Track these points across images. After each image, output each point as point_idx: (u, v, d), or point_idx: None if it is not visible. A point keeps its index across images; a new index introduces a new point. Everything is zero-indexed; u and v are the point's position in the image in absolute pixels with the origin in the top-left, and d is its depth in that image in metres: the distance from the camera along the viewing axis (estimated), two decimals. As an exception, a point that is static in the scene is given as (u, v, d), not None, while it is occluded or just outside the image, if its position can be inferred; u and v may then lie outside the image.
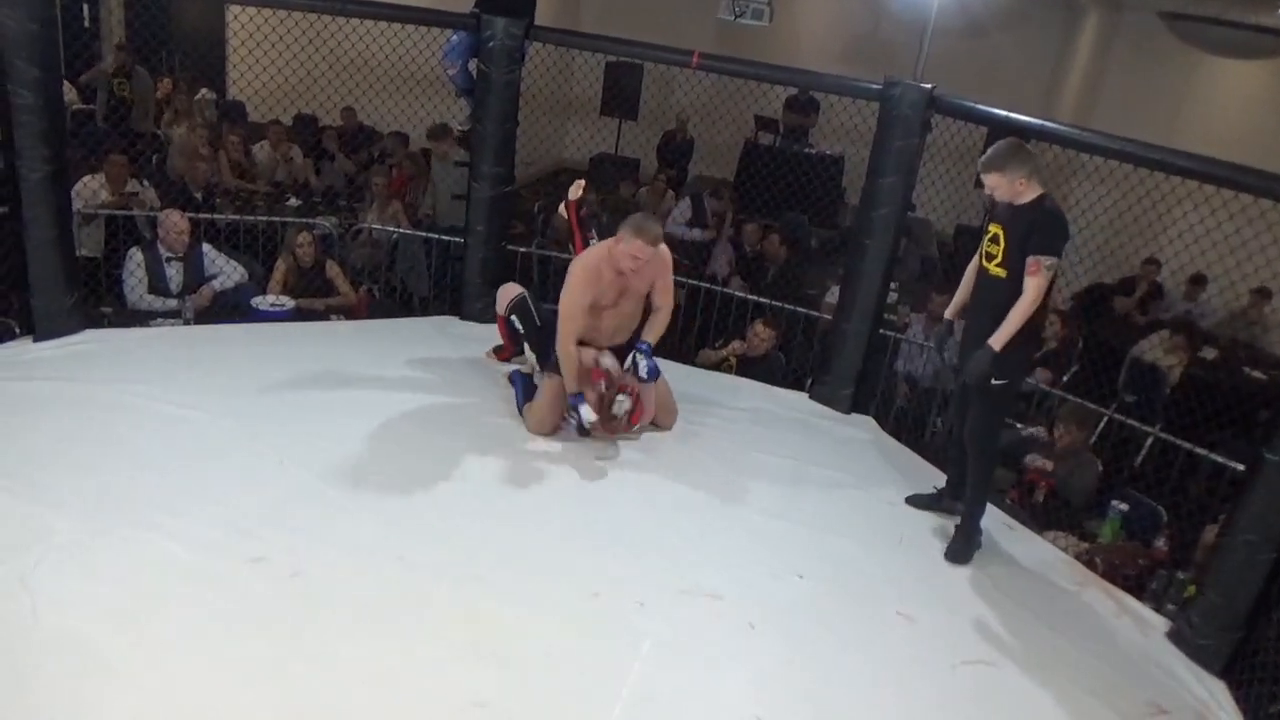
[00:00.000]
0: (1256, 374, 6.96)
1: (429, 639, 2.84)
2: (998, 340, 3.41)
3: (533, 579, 3.18)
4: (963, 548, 3.74)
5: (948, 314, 3.87)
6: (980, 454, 3.69)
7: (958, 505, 3.87)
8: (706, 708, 2.76)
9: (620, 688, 2.75)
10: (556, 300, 4.07)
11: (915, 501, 4.06)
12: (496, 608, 3.01)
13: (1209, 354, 7.07)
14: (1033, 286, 3.35)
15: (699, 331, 5.90)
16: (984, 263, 3.55)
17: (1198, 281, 7.97)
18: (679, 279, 6.20)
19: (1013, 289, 3.40)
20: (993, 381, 3.50)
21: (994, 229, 3.50)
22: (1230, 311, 7.86)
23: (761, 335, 5.31)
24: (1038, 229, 3.35)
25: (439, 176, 6.82)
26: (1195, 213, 3.71)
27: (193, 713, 2.47)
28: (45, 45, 3.98)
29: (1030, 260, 3.35)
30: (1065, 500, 4.49)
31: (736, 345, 5.36)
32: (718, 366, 5.32)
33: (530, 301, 4.51)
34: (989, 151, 3.43)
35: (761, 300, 5.56)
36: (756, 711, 2.76)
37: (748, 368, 5.30)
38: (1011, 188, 3.39)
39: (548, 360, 4.14)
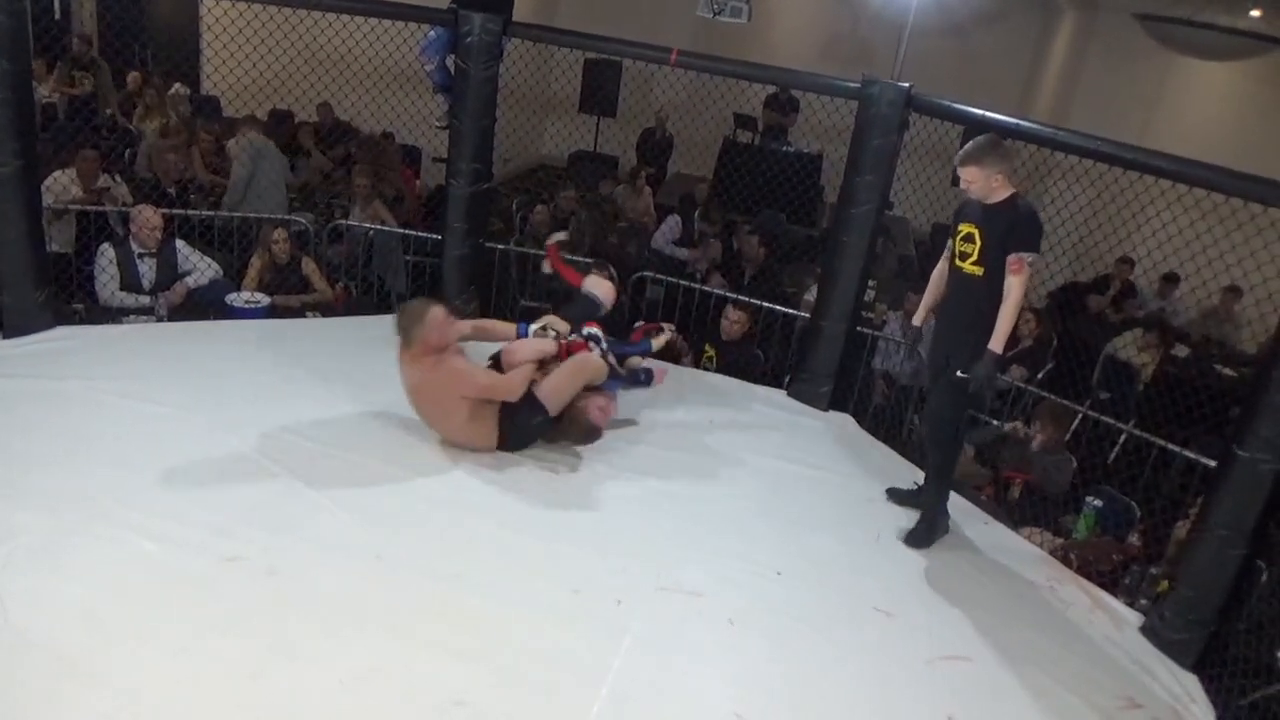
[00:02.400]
0: (1228, 371, 7.05)
1: (407, 637, 2.82)
2: (996, 343, 3.43)
3: (512, 576, 3.17)
4: (924, 534, 3.77)
5: (916, 319, 3.89)
6: (938, 442, 3.72)
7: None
8: (686, 704, 2.77)
9: (600, 685, 2.75)
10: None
11: (894, 497, 4.08)
12: (476, 605, 3.00)
13: (1181, 351, 7.15)
14: (1017, 284, 3.38)
15: (678, 328, 5.88)
16: (957, 262, 3.57)
17: (1170, 280, 8.06)
18: (662, 276, 6.20)
19: (990, 286, 3.43)
20: (958, 374, 3.52)
21: (966, 228, 3.52)
22: (1202, 309, 7.95)
23: (734, 319, 5.32)
24: (1018, 227, 3.39)
25: (249, 161, 6.37)
26: (1168, 212, 3.76)
27: (166, 713, 2.44)
28: (14, 38, 3.92)
29: (1013, 258, 3.38)
30: (1041, 497, 4.52)
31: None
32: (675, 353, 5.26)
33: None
34: (967, 145, 3.46)
35: (740, 298, 5.57)
36: (735, 708, 2.76)
37: (725, 353, 5.32)
38: (987, 183, 3.42)
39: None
